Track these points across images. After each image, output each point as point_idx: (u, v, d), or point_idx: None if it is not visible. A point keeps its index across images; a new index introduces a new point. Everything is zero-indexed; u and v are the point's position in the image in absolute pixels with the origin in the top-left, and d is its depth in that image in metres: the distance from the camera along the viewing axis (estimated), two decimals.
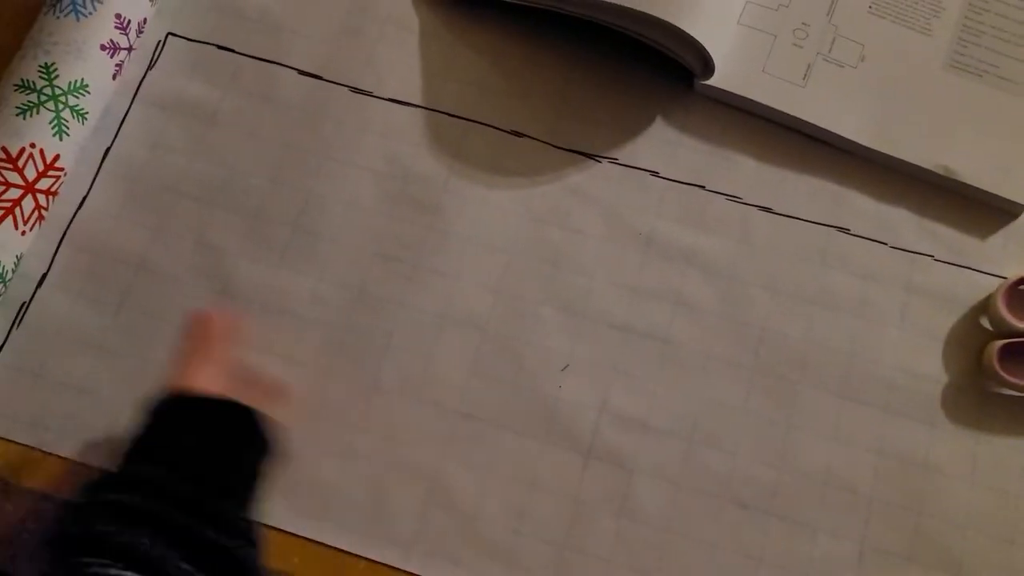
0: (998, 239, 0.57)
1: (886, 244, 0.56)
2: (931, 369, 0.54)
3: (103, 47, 0.54)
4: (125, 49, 0.56)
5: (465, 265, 0.55)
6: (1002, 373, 0.52)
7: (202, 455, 0.42)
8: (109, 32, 0.54)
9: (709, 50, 0.54)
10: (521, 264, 0.56)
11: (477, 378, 0.53)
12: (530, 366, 0.54)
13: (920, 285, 0.56)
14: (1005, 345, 0.53)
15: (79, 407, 0.52)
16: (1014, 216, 0.57)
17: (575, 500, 0.51)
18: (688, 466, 0.52)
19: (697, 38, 0.53)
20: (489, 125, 0.58)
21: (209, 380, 0.46)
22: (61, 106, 0.52)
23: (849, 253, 0.56)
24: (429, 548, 0.50)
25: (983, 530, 0.51)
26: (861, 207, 0.57)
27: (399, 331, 0.54)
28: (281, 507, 0.50)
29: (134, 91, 0.58)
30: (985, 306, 0.55)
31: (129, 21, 0.55)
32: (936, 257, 0.56)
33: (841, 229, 0.57)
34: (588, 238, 0.56)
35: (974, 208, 0.57)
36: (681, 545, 0.51)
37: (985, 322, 0.55)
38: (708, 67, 0.57)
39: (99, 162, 0.57)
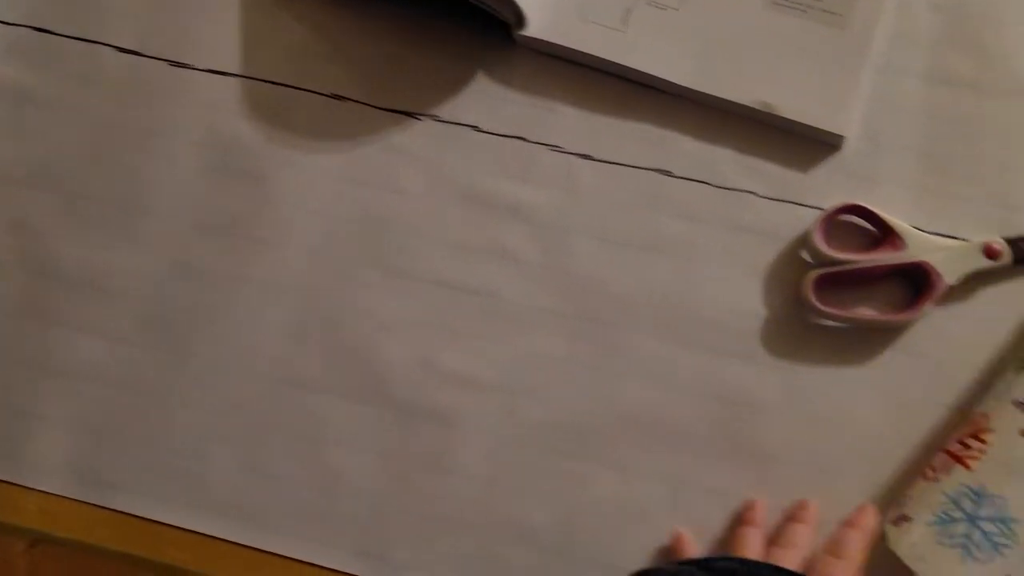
0: (821, 172, 0.56)
1: (709, 184, 0.56)
2: (752, 305, 0.54)
3: None
4: None
5: (288, 232, 0.55)
6: (816, 303, 0.52)
7: None
8: None
9: None
10: (344, 228, 0.55)
11: (300, 344, 0.53)
12: (353, 329, 0.54)
13: (743, 223, 0.55)
14: (820, 276, 0.53)
15: None
16: (836, 148, 0.56)
17: (397, 458, 0.51)
18: (511, 419, 0.52)
19: None
20: (310, 91, 0.58)
21: None
22: None
23: (672, 196, 0.56)
24: (249, 515, 0.50)
25: (799, 460, 0.51)
26: (684, 149, 0.57)
27: (223, 302, 0.54)
28: (96, 483, 0.50)
29: None
30: (805, 239, 0.54)
31: None
32: (759, 194, 0.56)
33: (664, 172, 0.56)
34: (411, 197, 0.56)
35: (797, 143, 0.56)
36: (504, 497, 0.50)
37: (805, 255, 0.55)
38: (521, 18, 0.56)
39: None
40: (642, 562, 0.49)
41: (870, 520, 0.49)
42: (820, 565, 0.47)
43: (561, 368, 0.53)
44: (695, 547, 0.49)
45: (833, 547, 0.48)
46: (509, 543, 0.50)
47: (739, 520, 0.50)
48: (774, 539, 0.49)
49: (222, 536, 0.50)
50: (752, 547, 0.47)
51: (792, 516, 0.49)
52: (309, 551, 0.50)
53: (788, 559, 0.46)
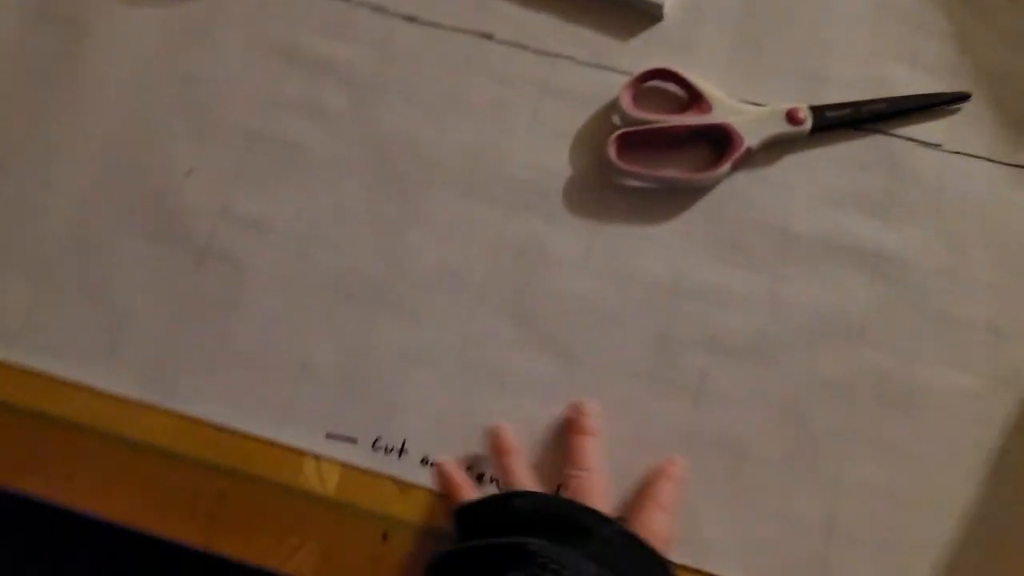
0: (639, 41, 0.56)
1: (528, 48, 0.56)
2: (557, 166, 0.54)
3: None
4: None
5: (99, 83, 0.56)
6: (617, 161, 0.52)
7: None
8: None
9: None
10: (156, 81, 0.56)
11: (100, 189, 0.54)
12: (153, 175, 0.54)
13: (558, 87, 0.56)
14: (623, 134, 0.53)
15: None
16: (656, 19, 0.57)
17: (183, 299, 0.51)
18: (301, 264, 0.52)
19: None
20: None
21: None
22: None
23: (490, 59, 0.56)
24: (41, 344, 0.50)
25: (591, 313, 0.51)
26: (507, 13, 0.57)
27: (28, 144, 0.54)
28: None
29: None
30: (615, 103, 0.55)
31: None
32: (577, 59, 0.56)
33: (485, 35, 0.57)
34: (227, 52, 0.57)
35: (619, 13, 0.57)
36: (291, 337, 0.51)
37: (616, 119, 0.55)
38: None
39: None
40: (425, 403, 0.49)
41: (680, 470, 0.48)
42: (645, 515, 0.45)
43: (359, 219, 0.53)
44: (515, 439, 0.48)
45: (654, 497, 0.46)
46: (293, 380, 0.50)
47: (574, 428, 0.48)
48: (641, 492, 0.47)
49: (15, 361, 0.50)
50: (592, 458, 0.46)
51: (659, 471, 0.47)
52: (95, 377, 0.50)
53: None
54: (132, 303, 0.51)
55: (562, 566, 0.38)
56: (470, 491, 0.45)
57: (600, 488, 0.46)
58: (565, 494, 0.45)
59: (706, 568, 0.47)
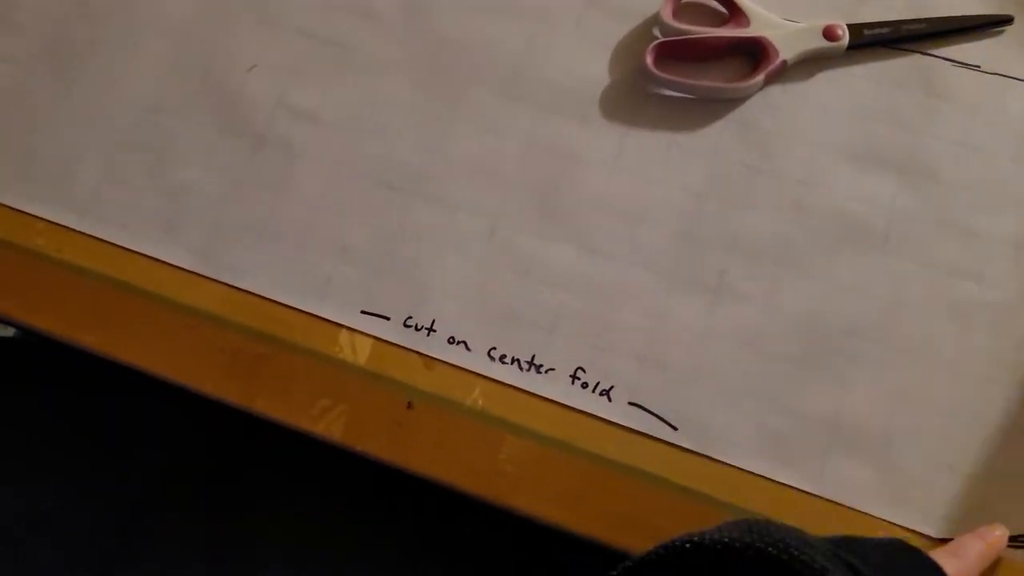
0: None
1: None
2: (596, 73, 0.56)
3: None
4: None
5: None
6: (653, 68, 0.54)
7: None
8: None
9: None
10: None
11: (170, 76, 0.58)
12: (219, 66, 0.58)
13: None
14: (660, 44, 0.55)
15: None
16: None
17: (238, 181, 0.55)
18: (347, 153, 0.55)
19: None
20: None
21: None
22: None
23: None
24: (106, 215, 0.55)
25: (616, 210, 0.53)
26: None
27: (108, 37, 0.59)
28: None
29: None
30: (656, 16, 0.57)
31: None
32: None
33: None
34: None
35: None
36: (331, 218, 0.54)
37: (656, 31, 0.57)
38: None
39: None
40: (455, 287, 0.52)
41: (999, 540, 0.45)
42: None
43: (403, 114, 0.56)
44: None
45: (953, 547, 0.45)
46: (333, 260, 0.53)
47: (982, 535, 0.45)
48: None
49: (82, 229, 0.55)
50: (973, 560, 0.44)
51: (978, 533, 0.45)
52: (152, 246, 0.54)
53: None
54: (192, 183, 0.55)
55: None
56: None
57: None
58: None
59: (713, 455, 0.49)
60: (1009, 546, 0.45)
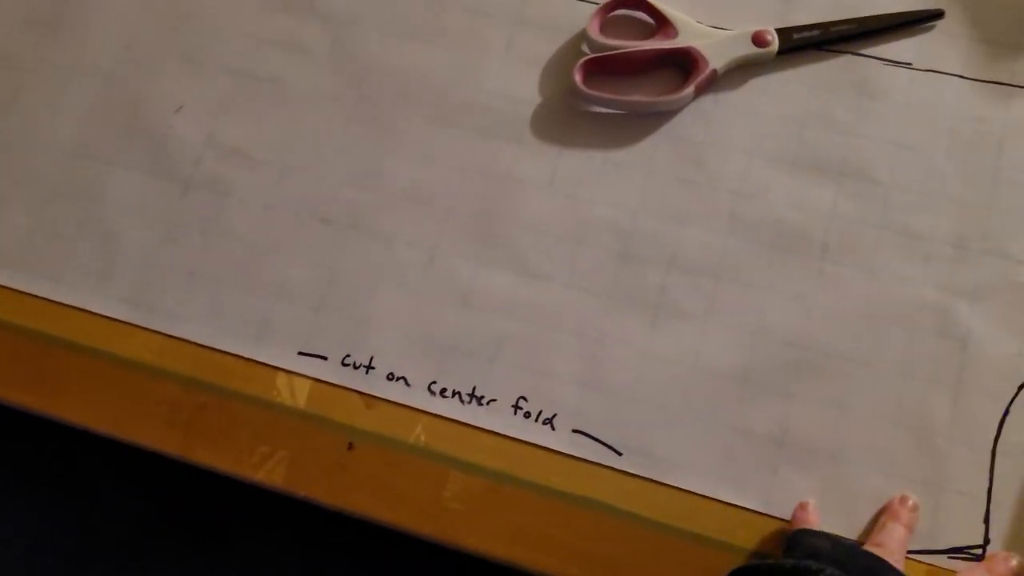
0: None
1: None
2: (527, 93, 0.55)
3: None
4: None
5: (99, 22, 0.59)
6: (582, 86, 0.53)
7: None
8: None
9: None
10: (150, 20, 0.59)
11: (95, 123, 0.57)
12: (146, 108, 0.57)
13: (529, 17, 0.57)
14: (588, 60, 0.54)
15: None
16: None
17: (169, 225, 0.54)
18: (279, 189, 0.54)
19: None
20: None
21: None
22: None
23: None
24: (37, 269, 0.54)
25: (551, 232, 0.52)
26: None
27: (31, 85, 0.58)
28: None
29: None
30: (584, 32, 0.56)
31: None
32: None
33: None
34: None
35: None
36: (264, 259, 0.53)
37: (585, 47, 0.56)
38: None
39: None
40: (393, 321, 0.51)
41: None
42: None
43: (336, 148, 0.55)
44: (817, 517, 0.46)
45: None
46: (269, 301, 0.52)
47: (892, 514, 0.45)
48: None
49: (12, 286, 0.54)
50: (896, 544, 0.44)
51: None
52: (85, 299, 0.53)
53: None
54: (122, 230, 0.54)
55: None
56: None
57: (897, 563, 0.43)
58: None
59: (660, 478, 0.48)
60: (950, 557, 0.45)
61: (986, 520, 0.45)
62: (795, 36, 0.54)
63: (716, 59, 0.53)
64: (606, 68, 0.54)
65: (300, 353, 0.51)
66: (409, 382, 0.50)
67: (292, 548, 0.59)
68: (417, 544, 0.48)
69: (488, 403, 0.50)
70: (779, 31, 0.54)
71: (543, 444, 0.49)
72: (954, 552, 0.45)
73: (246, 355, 0.52)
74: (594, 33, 0.55)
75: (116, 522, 0.60)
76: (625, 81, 0.55)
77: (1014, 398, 0.47)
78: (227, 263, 0.53)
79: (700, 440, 0.48)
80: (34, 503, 0.61)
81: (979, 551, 0.45)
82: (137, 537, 0.57)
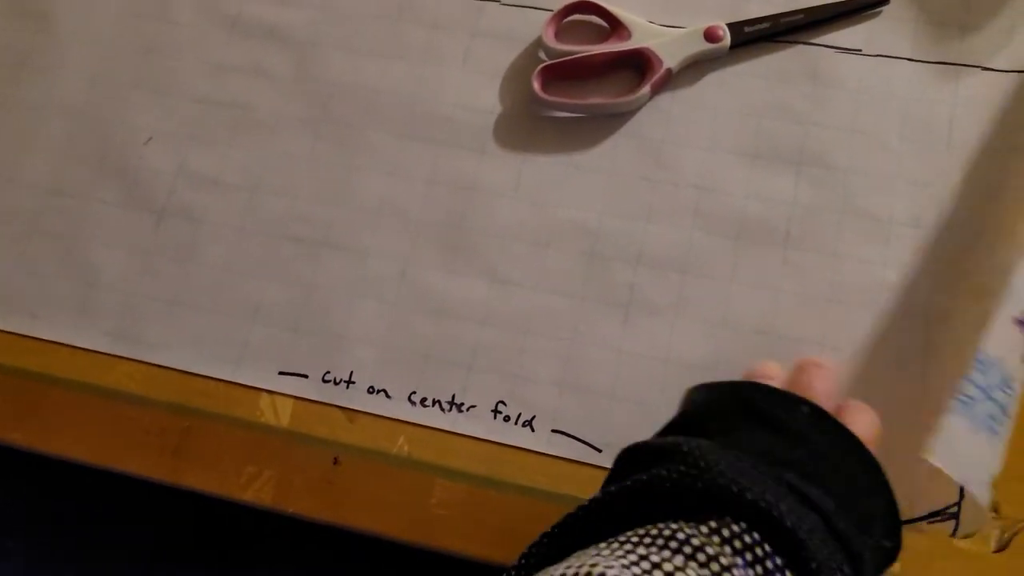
0: None
1: None
2: (487, 103, 0.56)
3: None
4: None
5: (67, 59, 0.60)
6: (540, 92, 0.54)
7: None
8: None
9: None
10: (118, 54, 0.60)
11: (68, 159, 0.58)
12: (116, 142, 0.58)
13: (486, 29, 0.58)
14: (545, 67, 0.55)
15: None
16: None
17: (146, 256, 0.55)
18: (251, 212, 0.55)
19: None
20: None
21: None
22: None
23: (420, 5, 0.59)
24: (17, 306, 0.55)
25: (519, 238, 0.53)
26: None
27: (3, 123, 0.59)
28: None
29: None
30: (540, 39, 0.57)
31: None
32: (502, 1, 0.58)
33: None
34: (180, 26, 0.60)
35: None
36: (240, 283, 0.54)
37: (542, 54, 0.57)
38: None
39: None
40: (370, 335, 0.52)
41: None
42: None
43: (304, 168, 0.56)
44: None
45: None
46: (247, 323, 0.53)
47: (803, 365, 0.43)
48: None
49: None
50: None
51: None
52: (67, 333, 0.54)
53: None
54: (100, 264, 0.55)
55: (707, 465, 0.34)
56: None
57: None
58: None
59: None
60: (928, 521, 0.46)
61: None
62: (746, 29, 0.55)
63: (670, 58, 0.54)
64: (564, 73, 0.55)
65: (281, 373, 0.52)
66: (390, 394, 0.51)
67: (288, 557, 0.60)
68: (407, 551, 0.49)
69: (468, 409, 0.50)
70: (730, 25, 0.55)
71: (524, 446, 0.50)
72: (932, 516, 0.46)
73: (228, 378, 0.52)
74: (550, 40, 0.56)
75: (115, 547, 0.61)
76: (583, 85, 0.56)
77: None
78: (204, 289, 0.54)
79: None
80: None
81: (955, 508, 0.46)
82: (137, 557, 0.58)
